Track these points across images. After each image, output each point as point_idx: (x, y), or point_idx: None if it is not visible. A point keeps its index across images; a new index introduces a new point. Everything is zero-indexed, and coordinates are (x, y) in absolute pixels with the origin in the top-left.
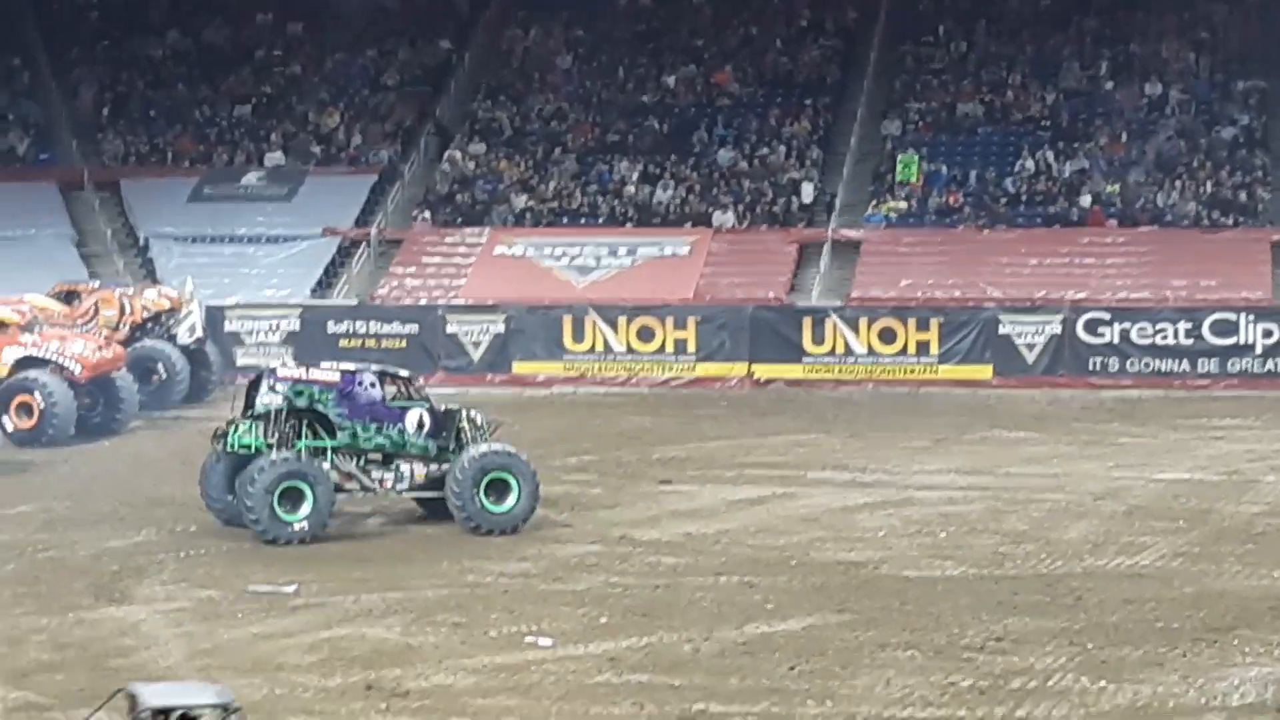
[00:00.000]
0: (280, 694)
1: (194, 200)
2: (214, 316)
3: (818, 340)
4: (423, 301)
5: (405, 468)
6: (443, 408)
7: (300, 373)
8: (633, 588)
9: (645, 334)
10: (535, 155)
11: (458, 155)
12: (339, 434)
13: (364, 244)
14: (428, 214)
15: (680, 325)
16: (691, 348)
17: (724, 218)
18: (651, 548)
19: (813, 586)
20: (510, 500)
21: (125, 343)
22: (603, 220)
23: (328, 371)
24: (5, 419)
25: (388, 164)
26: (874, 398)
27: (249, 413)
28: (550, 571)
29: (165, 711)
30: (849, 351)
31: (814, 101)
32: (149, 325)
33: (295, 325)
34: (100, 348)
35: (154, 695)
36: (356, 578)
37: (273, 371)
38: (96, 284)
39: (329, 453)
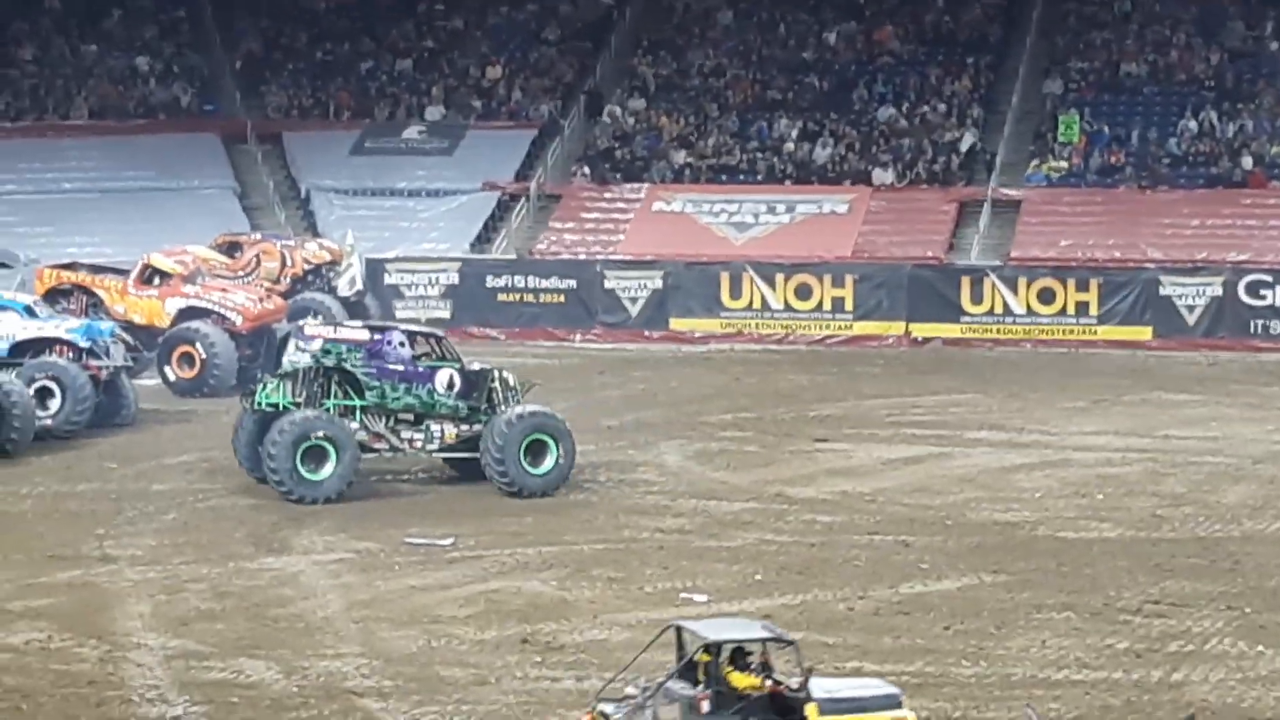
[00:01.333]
0: (436, 646)
1: (355, 153)
2: (374, 269)
3: (976, 300)
4: (581, 256)
5: (436, 428)
6: (474, 368)
7: (328, 331)
8: (788, 545)
9: (803, 291)
10: (694, 111)
11: (617, 110)
12: (367, 393)
13: (523, 198)
14: (587, 169)
15: (838, 283)
16: (849, 306)
17: (883, 176)
18: (807, 506)
19: (968, 547)
20: (549, 462)
21: (286, 294)
22: (761, 177)
23: (356, 330)
24: (167, 369)
25: (548, 119)
26: (1032, 358)
27: (278, 371)
28: (706, 528)
29: (718, 645)
30: (1007, 311)
31: (975, 60)
32: (309, 277)
33: (454, 279)
34: (261, 299)
35: (706, 630)
36: (513, 531)
37: (300, 329)
38: (258, 236)
39: (358, 412)
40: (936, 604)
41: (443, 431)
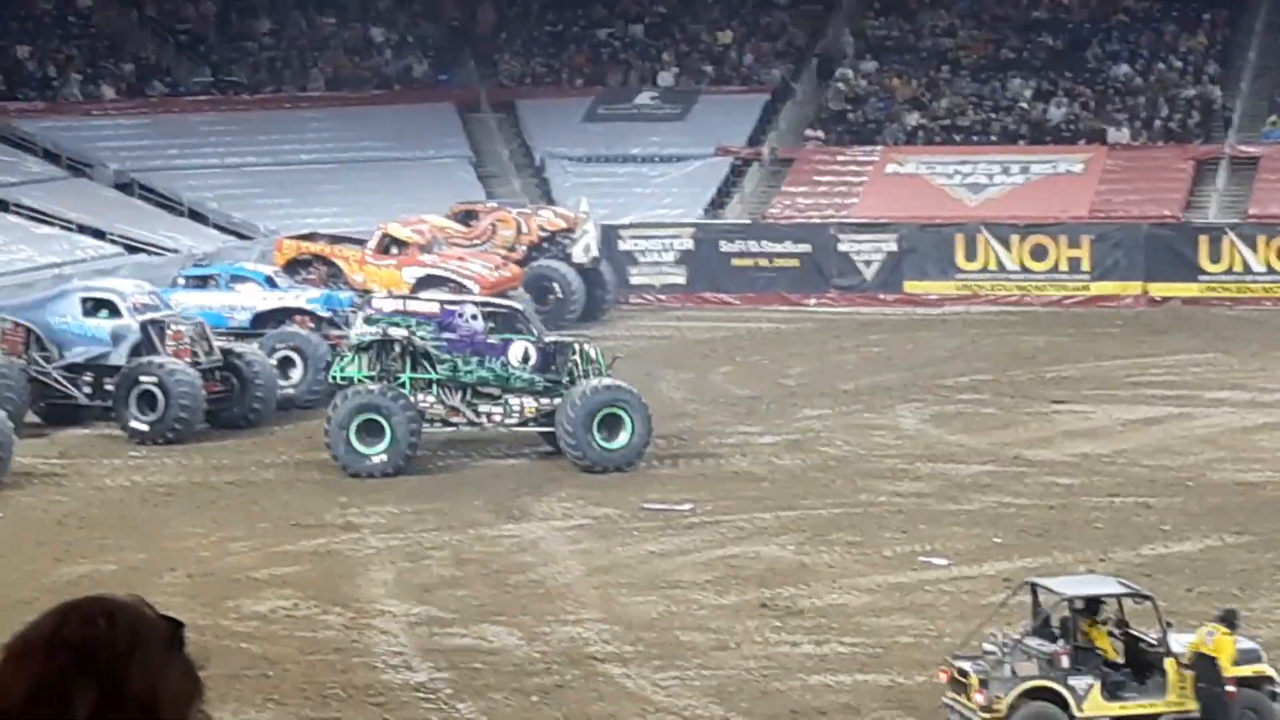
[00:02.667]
0: (676, 611)
1: (589, 120)
2: (608, 236)
3: (1214, 258)
4: (814, 220)
5: (515, 402)
6: (552, 341)
7: (398, 304)
8: (1027, 508)
9: (1038, 252)
10: (927, 72)
11: (849, 73)
12: (439, 366)
13: (756, 163)
14: (820, 133)
15: (1074, 243)
16: (1085, 266)
17: (1118, 134)
18: (1045, 468)
19: (1210, 508)
20: (624, 436)
21: (521, 262)
22: (995, 138)
23: (427, 303)
24: None
25: (780, 83)
26: (1273, 316)
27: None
28: (944, 491)
29: (1075, 600)
30: (1247, 269)
31: (1212, 15)
32: (545, 245)
33: (688, 244)
34: (497, 267)
35: (1062, 586)
36: (751, 497)
37: (369, 302)
38: (494, 204)
39: (434, 386)
40: (1179, 566)
41: (522, 406)
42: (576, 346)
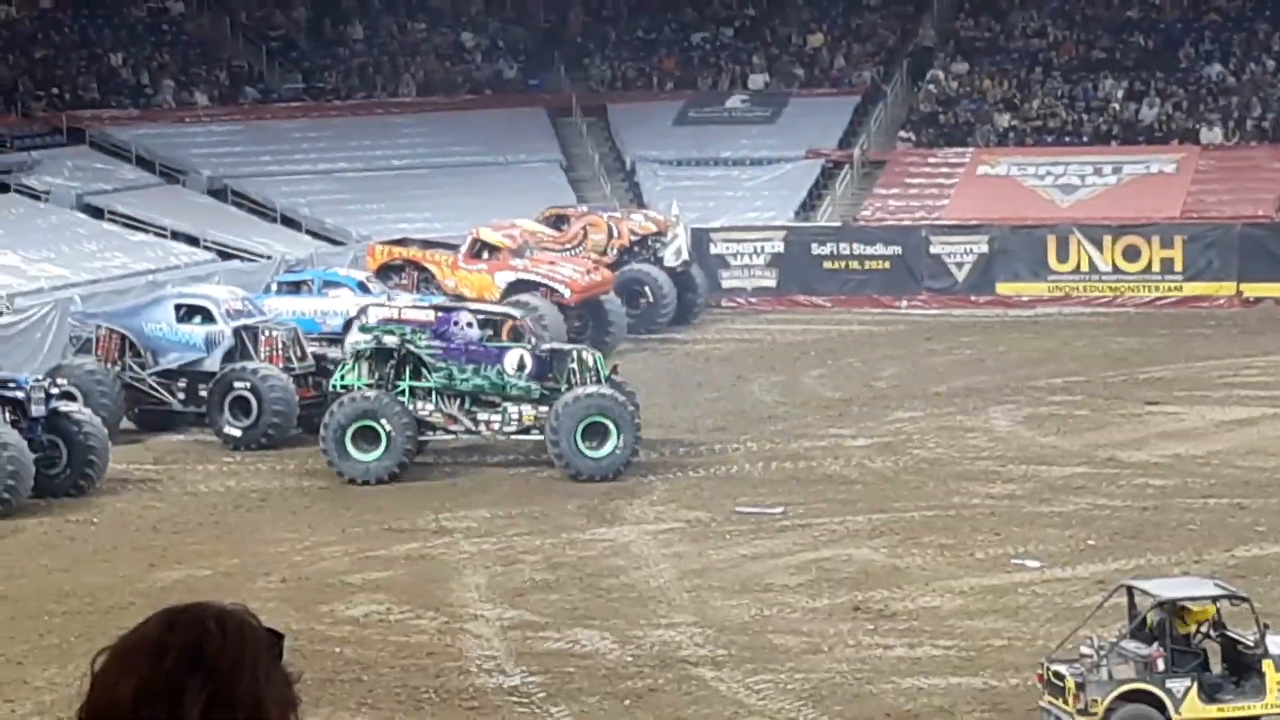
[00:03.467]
0: (769, 614)
1: (679, 124)
2: (699, 239)
3: None
4: (906, 222)
5: (513, 410)
6: (549, 348)
7: (393, 312)
8: (1120, 510)
9: (1131, 253)
10: (1018, 73)
11: (940, 75)
12: (434, 374)
13: (847, 165)
14: (911, 134)
15: (1167, 244)
16: (1178, 267)
17: (1211, 134)
18: (1139, 469)
19: None
20: (609, 445)
21: (613, 266)
22: (1087, 138)
23: (422, 311)
24: None
25: (870, 85)
26: None
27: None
28: (1036, 493)
29: (1172, 603)
30: None
31: None
32: (636, 248)
33: (779, 247)
34: (589, 271)
35: (1158, 588)
36: (842, 499)
37: (364, 310)
38: (584, 208)
39: (433, 394)
40: (1274, 567)
41: (520, 413)
42: (574, 354)
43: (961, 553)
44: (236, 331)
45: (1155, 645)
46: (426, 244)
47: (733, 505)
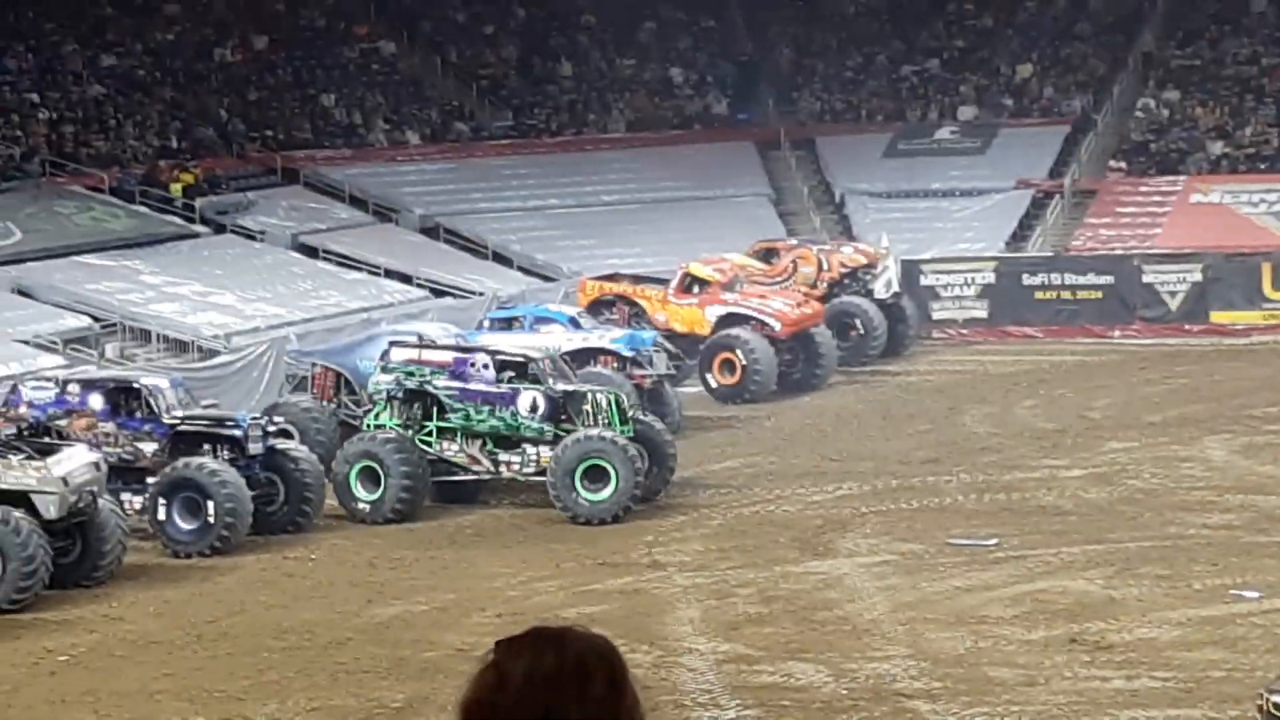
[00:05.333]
0: (983, 647)
1: (888, 155)
2: (910, 271)
3: None
4: (1118, 251)
5: (531, 451)
6: (564, 390)
7: (414, 353)
8: None
9: None
10: (1230, 100)
11: (1151, 103)
12: (452, 415)
13: (1058, 195)
14: (1122, 163)
15: None
16: None
17: None
18: None
19: None
20: (608, 489)
21: (823, 299)
22: None
23: (441, 352)
24: (709, 376)
25: (1080, 114)
26: None
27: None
28: (1254, 523)
29: None
30: None
31: None
32: (846, 281)
33: (990, 278)
34: (799, 304)
35: None
36: (1056, 530)
37: (386, 352)
38: (794, 241)
39: (458, 434)
40: None
41: (539, 455)
42: (590, 395)
43: (1178, 583)
44: None
45: None
46: (637, 279)
47: (946, 537)
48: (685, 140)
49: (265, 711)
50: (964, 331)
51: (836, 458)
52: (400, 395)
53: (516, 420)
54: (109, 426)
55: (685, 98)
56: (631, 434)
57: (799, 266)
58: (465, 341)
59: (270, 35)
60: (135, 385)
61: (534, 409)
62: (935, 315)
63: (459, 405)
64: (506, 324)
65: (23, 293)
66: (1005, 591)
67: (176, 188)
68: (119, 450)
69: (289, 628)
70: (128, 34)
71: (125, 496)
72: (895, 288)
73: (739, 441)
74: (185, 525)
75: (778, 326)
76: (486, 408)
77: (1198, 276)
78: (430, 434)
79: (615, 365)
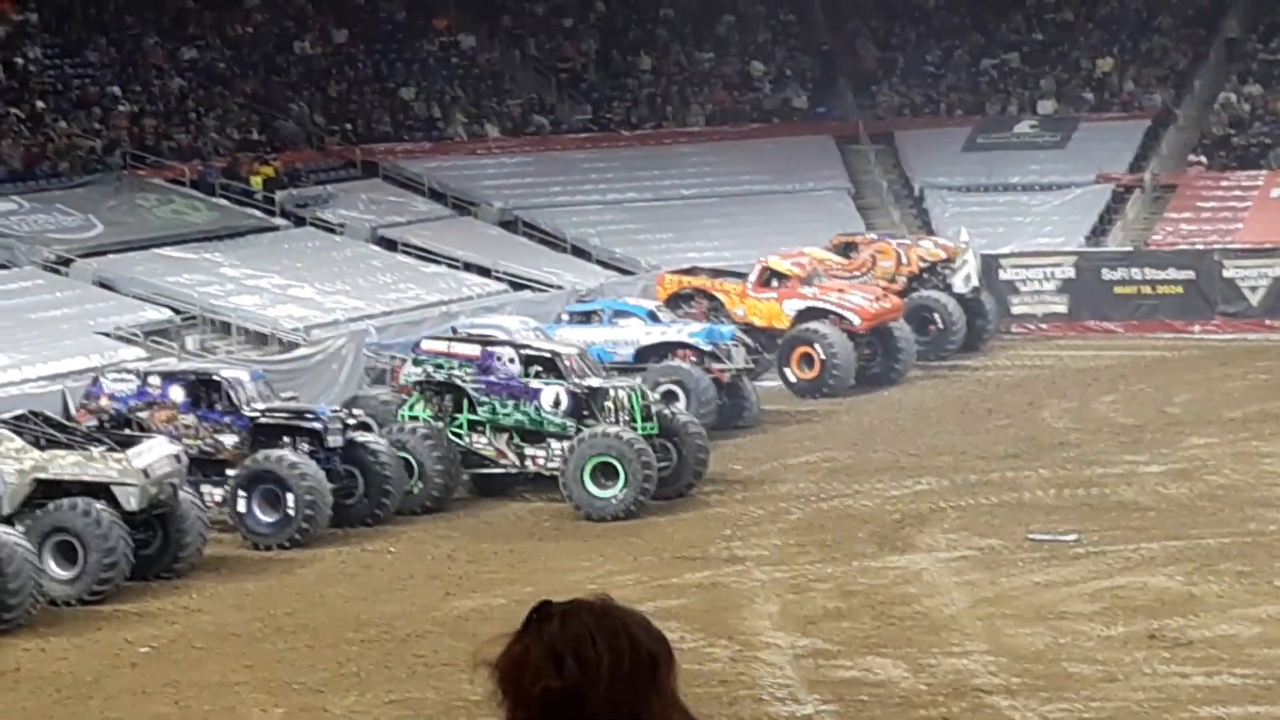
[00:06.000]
0: (1063, 643)
1: (967, 149)
2: (989, 265)
3: None
4: (1198, 246)
5: (556, 446)
6: (588, 386)
7: (443, 346)
8: None
9: None
10: None
11: (1232, 97)
12: (479, 409)
13: (1138, 189)
14: (1203, 157)
15: None
16: None
17: None
18: None
19: None
20: (616, 486)
21: (902, 293)
22: None
23: (469, 345)
24: (787, 370)
25: (1161, 108)
26: None
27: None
28: None
29: None
30: None
31: None
32: (925, 275)
33: (1070, 273)
34: (878, 298)
35: None
36: (1136, 526)
37: (417, 344)
38: (873, 235)
39: (486, 428)
40: None
41: (562, 449)
42: (612, 391)
43: (1259, 580)
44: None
45: None
46: (716, 273)
47: (1025, 532)
48: (764, 134)
49: (344, 704)
50: (1043, 326)
51: (915, 452)
52: (429, 387)
53: (540, 415)
54: (189, 419)
55: (764, 92)
56: (655, 431)
57: (878, 261)
58: (546, 334)
59: (350, 28)
60: (216, 378)
61: (557, 404)
62: (1014, 310)
63: (485, 399)
64: (585, 317)
65: (104, 285)
66: (1084, 587)
67: (257, 180)
68: (199, 442)
69: (368, 620)
70: (208, 27)
71: (205, 489)
72: (974, 282)
73: (817, 436)
74: (265, 517)
75: (856, 321)
76: (511, 402)
77: (1279, 272)
78: (461, 426)
79: (693, 359)
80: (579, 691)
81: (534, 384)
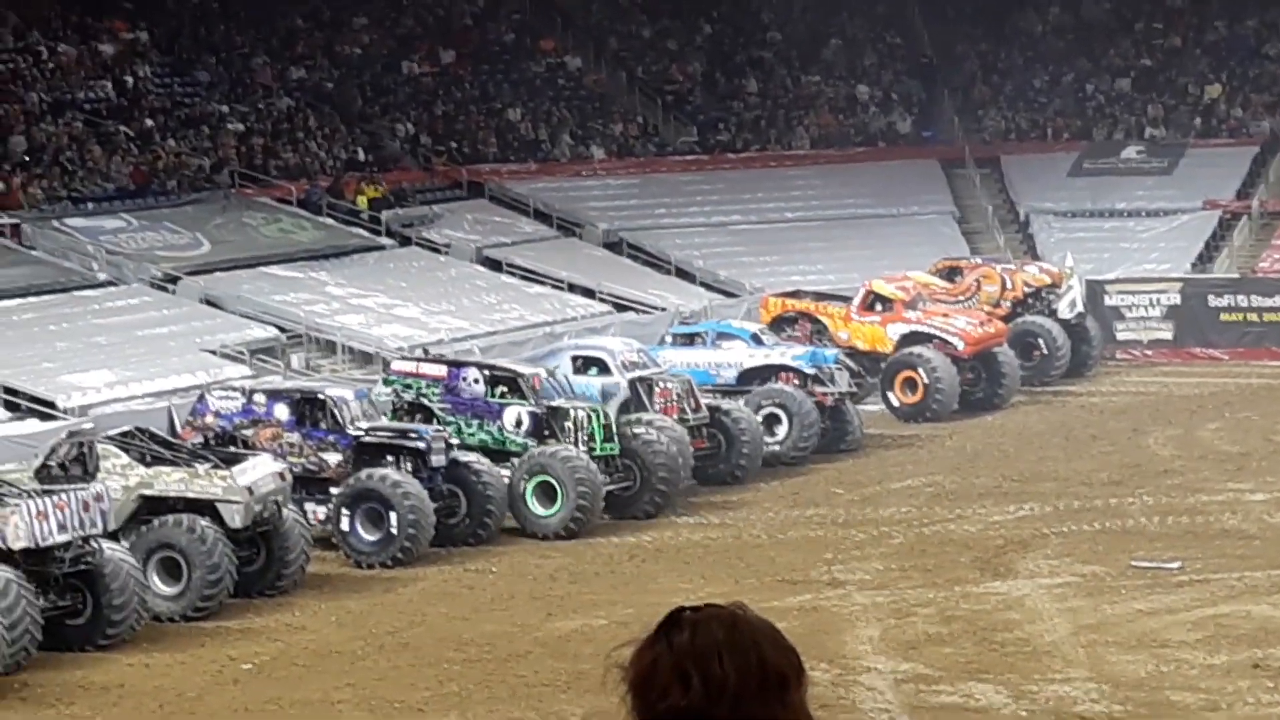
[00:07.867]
0: (1165, 671)
1: (1073, 174)
2: (1094, 291)
3: None
4: None
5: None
6: (549, 406)
7: (412, 366)
8: None
9: None
10: None
11: None
12: (447, 429)
13: (1244, 216)
14: None
15: None
16: None
17: None
18: None
19: None
20: (554, 505)
21: (1006, 318)
22: None
23: (435, 365)
24: (891, 394)
25: (1269, 134)
26: None
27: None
28: None
29: None
30: None
31: None
32: (1030, 300)
33: (1175, 299)
34: (982, 323)
35: None
36: (1240, 554)
37: (388, 364)
38: (978, 260)
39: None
40: None
41: (512, 468)
42: (572, 412)
43: None
44: (632, 383)
45: None
46: (820, 296)
47: (1129, 560)
48: (869, 157)
49: None
50: (1148, 353)
51: (1018, 478)
52: (399, 407)
53: (503, 434)
54: (294, 437)
55: (870, 115)
56: (616, 451)
57: (983, 285)
58: (650, 355)
59: (457, 49)
60: (320, 396)
61: (519, 424)
62: (1119, 336)
63: (451, 419)
64: (689, 340)
65: (211, 303)
66: (1188, 615)
67: (363, 200)
68: (303, 460)
69: (469, 639)
70: (317, 47)
71: (309, 506)
72: (1079, 308)
73: (920, 460)
74: (368, 536)
75: (961, 345)
76: (476, 421)
77: None
78: None
79: (796, 382)
80: (705, 713)
81: (497, 404)
